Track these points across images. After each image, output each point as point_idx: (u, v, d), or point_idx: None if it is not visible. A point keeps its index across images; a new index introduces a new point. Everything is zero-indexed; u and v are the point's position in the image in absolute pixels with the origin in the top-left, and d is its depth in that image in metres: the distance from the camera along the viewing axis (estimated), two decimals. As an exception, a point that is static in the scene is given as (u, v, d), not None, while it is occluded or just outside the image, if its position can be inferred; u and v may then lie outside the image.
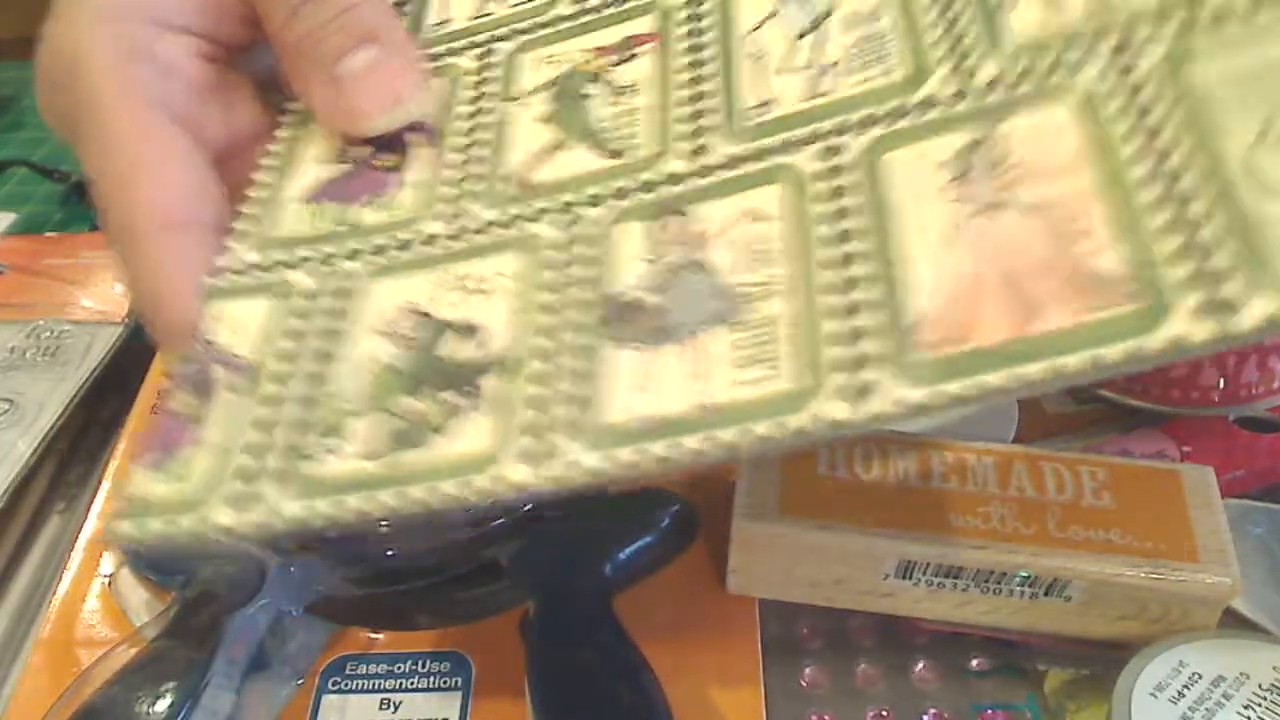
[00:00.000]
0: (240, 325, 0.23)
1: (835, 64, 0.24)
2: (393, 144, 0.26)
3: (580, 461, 0.19)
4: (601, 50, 0.27)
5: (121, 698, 0.23)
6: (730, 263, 0.21)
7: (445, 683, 0.26)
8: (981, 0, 0.24)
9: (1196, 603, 0.25)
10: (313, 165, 0.26)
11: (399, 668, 0.26)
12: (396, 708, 0.26)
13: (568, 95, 0.26)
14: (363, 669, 0.26)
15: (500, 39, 0.28)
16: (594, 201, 0.24)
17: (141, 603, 0.27)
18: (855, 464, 0.27)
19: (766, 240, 0.22)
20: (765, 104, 0.24)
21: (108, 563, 0.29)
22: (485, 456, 0.20)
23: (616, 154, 0.25)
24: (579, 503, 0.28)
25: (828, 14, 0.25)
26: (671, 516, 0.28)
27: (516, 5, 0.29)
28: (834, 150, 0.23)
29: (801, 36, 0.25)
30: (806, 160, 0.23)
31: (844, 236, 0.21)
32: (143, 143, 0.24)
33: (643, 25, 0.27)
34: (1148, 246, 0.18)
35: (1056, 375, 0.17)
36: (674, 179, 0.23)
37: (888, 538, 0.26)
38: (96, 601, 0.28)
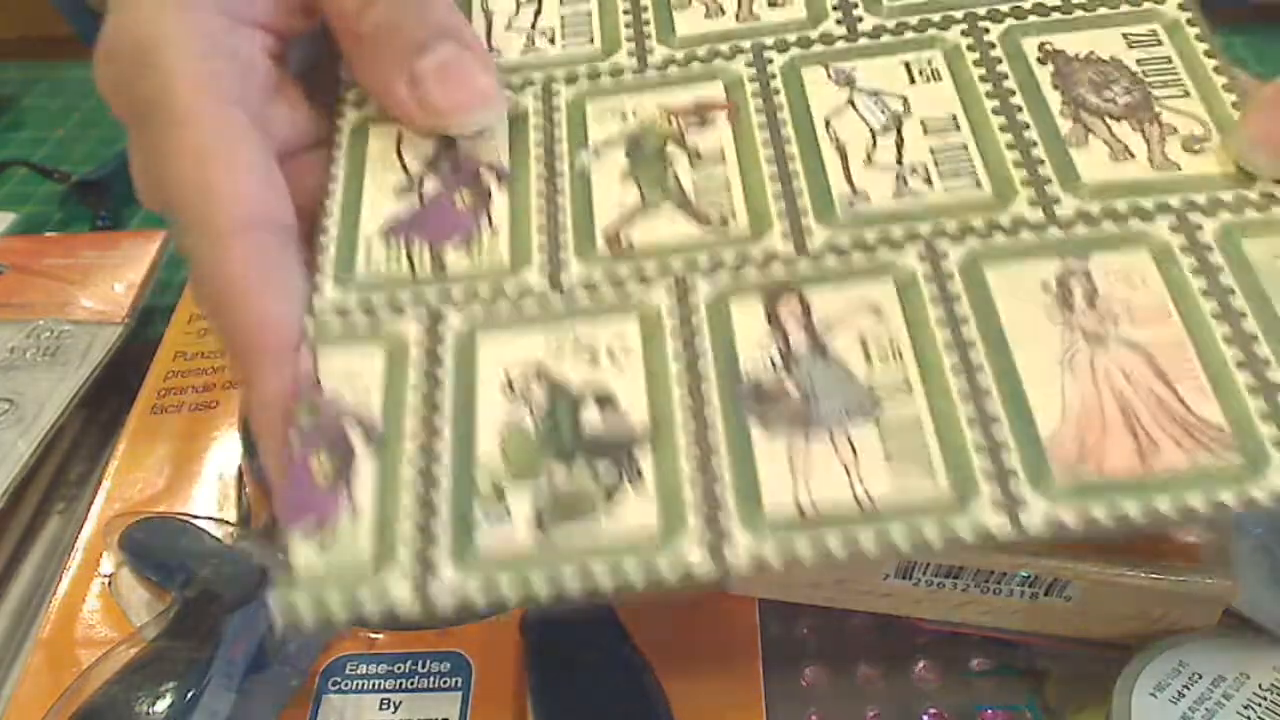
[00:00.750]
0: (358, 378, 0.23)
1: (921, 166, 0.25)
2: (468, 179, 0.26)
3: (754, 550, 0.20)
4: (672, 111, 0.27)
5: (121, 697, 0.23)
6: (859, 356, 0.22)
7: (445, 683, 0.26)
8: (1053, 131, 0.25)
9: (1196, 603, 0.25)
10: (385, 196, 0.26)
11: (399, 668, 0.26)
12: (396, 708, 0.26)
13: (647, 154, 0.26)
14: (363, 669, 0.26)
15: (558, 80, 0.28)
16: (703, 272, 0.24)
17: (141, 603, 0.27)
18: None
19: (891, 337, 0.22)
20: (859, 194, 0.25)
21: (108, 563, 0.29)
22: (660, 536, 0.20)
23: (715, 223, 0.25)
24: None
25: (904, 114, 0.26)
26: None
27: (568, 47, 0.29)
28: (938, 254, 0.24)
29: (881, 133, 0.26)
30: (913, 260, 0.24)
31: (965, 344, 0.22)
32: (223, 140, 0.23)
33: (712, 91, 0.28)
34: (1242, 402, 0.21)
35: (1184, 512, 0.19)
36: (782, 259, 0.24)
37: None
38: (96, 601, 0.28)
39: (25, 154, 0.51)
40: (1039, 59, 0.27)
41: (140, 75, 0.24)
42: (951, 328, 0.22)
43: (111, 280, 0.39)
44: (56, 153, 0.52)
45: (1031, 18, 0.28)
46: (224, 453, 0.31)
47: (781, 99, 0.27)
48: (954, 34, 0.28)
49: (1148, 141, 0.25)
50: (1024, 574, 0.26)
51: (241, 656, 0.25)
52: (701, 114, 0.27)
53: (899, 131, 0.26)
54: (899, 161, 0.26)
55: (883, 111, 0.27)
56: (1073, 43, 0.27)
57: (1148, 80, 0.26)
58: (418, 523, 0.21)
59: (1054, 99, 0.26)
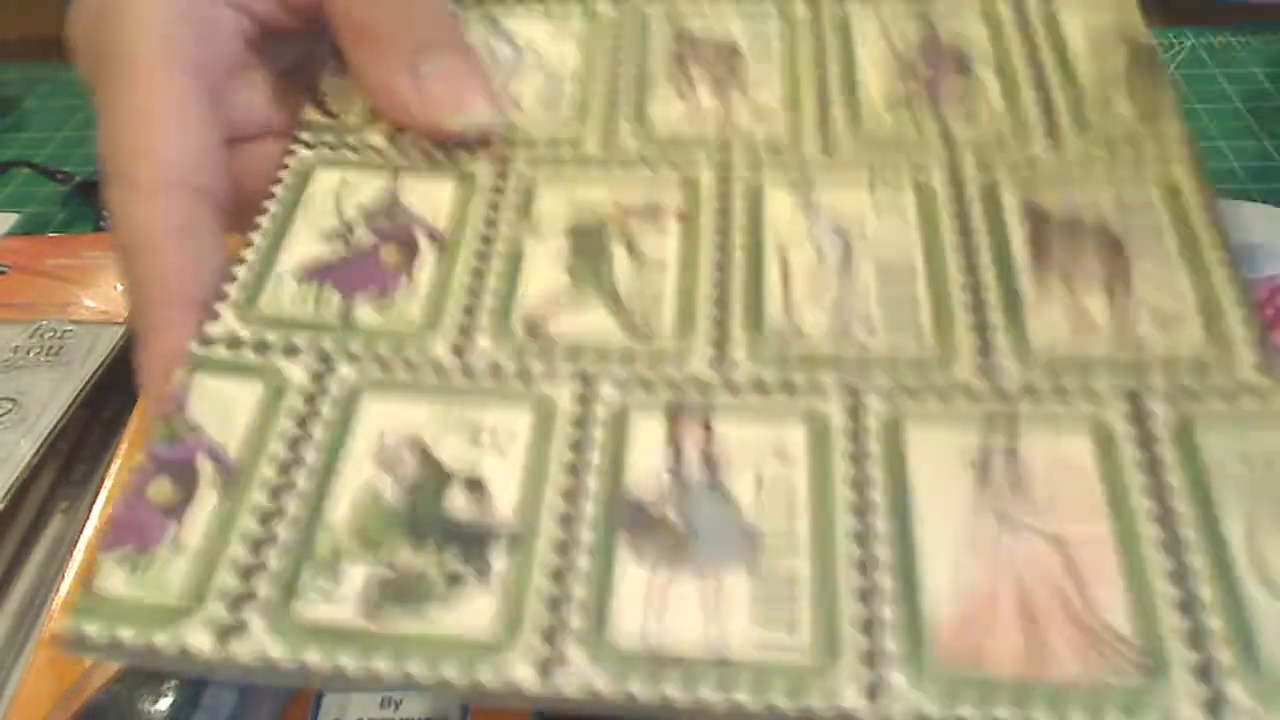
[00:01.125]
0: (228, 411, 0.22)
1: (867, 315, 0.24)
2: (401, 234, 0.25)
3: (589, 682, 0.19)
4: (627, 210, 0.26)
5: (123, 697, 0.23)
6: (754, 500, 0.21)
7: (444, 682, 0.26)
8: (1014, 294, 0.24)
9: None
10: (313, 236, 0.25)
11: (399, 667, 0.27)
12: (397, 706, 0.26)
13: (590, 248, 0.25)
14: (363, 668, 0.27)
15: (518, 151, 0.27)
16: (614, 379, 0.23)
17: (143, 602, 0.27)
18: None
19: (791, 487, 0.21)
20: (796, 330, 0.24)
21: (110, 562, 0.29)
22: (491, 644, 0.19)
23: (641, 335, 0.24)
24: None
25: (863, 253, 0.25)
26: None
27: (534, 118, 0.28)
28: (861, 406, 0.22)
29: (834, 269, 0.25)
30: (834, 409, 0.22)
31: (868, 508, 0.21)
32: (169, 103, 0.23)
33: (672, 196, 0.26)
34: (1158, 616, 0.19)
35: None
36: (699, 385, 0.23)
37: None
38: (98, 601, 0.28)
39: (28, 155, 0.51)
40: (1015, 213, 0.26)
41: (103, 32, 0.24)
42: (857, 488, 0.21)
43: (114, 280, 0.39)
44: (59, 153, 0.52)
45: (1020, 171, 0.26)
46: (225, 453, 0.31)
47: (741, 216, 0.26)
48: (933, 175, 0.27)
49: (1115, 314, 0.23)
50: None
51: (242, 656, 0.25)
52: (654, 215, 0.26)
53: (851, 271, 0.25)
54: (843, 304, 0.24)
55: (840, 246, 0.25)
56: (1055, 201, 0.26)
57: (1129, 244, 0.25)
58: (240, 575, 0.19)
59: (1023, 257, 0.25)
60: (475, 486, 0.21)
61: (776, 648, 0.19)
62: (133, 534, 0.20)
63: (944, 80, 0.29)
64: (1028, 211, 0.25)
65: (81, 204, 0.48)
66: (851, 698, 0.18)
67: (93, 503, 0.31)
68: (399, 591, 0.19)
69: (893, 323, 0.24)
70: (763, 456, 0.22)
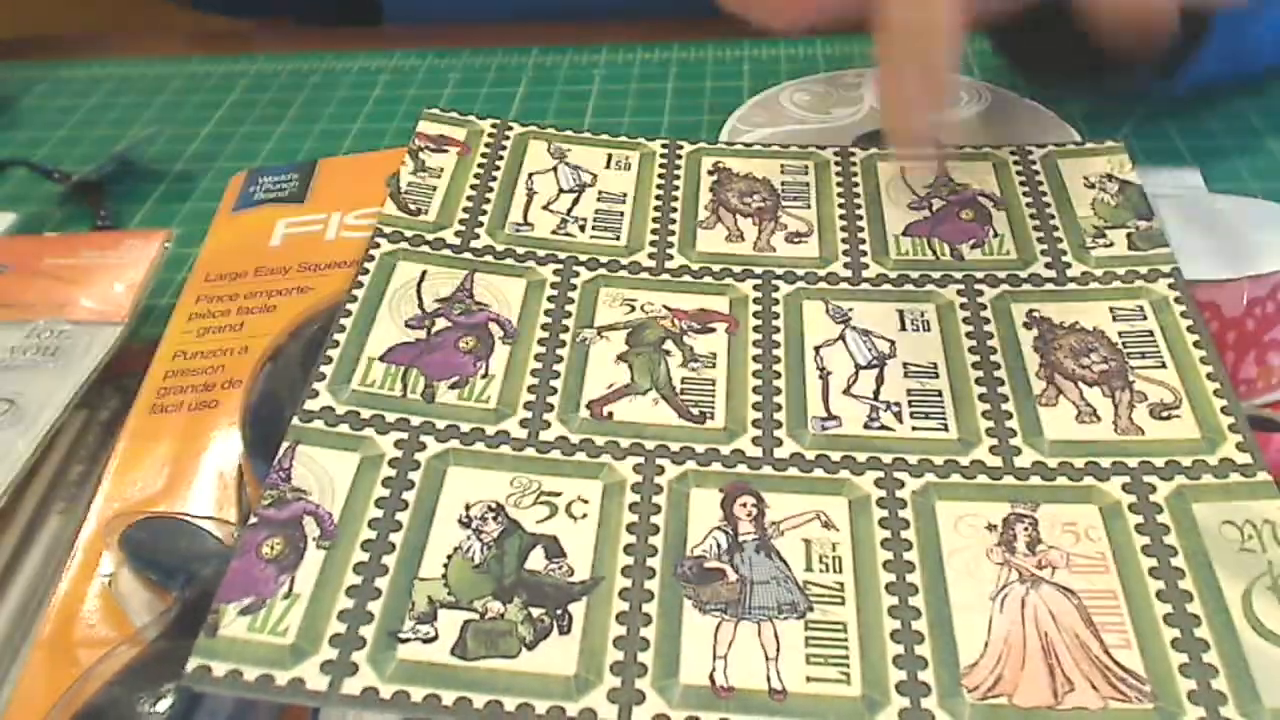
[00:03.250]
0: (328, 479, 0.24)
1: (895, 404, 0.27)
2: (476, 327, 0.28)
3: (665, 715, 0.21)
4: (677, 313, 0.30)
5: (122, 698, 0.23)
6: (801, 557, 0.24)
7: (446, 683, 0.26)
8: (1026, 389, 0.27)
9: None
10: (397, 324, 0.28)
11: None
12: (397, 708, 0.26)
13: (645, 344, 0.29)
14: (363, 669, 0.26)
15: (580, 263, 0.31)
16: (672, 455, 0.26)
17: (141, 603, 0.27)
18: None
19: (835, 548, 0.24)
20: (833, 418, 0.27)
21: (108, 563, 0.29)
22: (575, 684, 0.21)
23: (695, 418, 0.27)
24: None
25: (887, 355, 0.29)
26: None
27: (595, 238, 0.32)
28: (895, 481, 0.25)
29: (864, 368, 0.28)
30: (869, 484, 0.25)
31: (907, 564, 0.24)
32: None
33: (718, 303, 0.30)
34: (1165, 655, 0.22)
35: None
36: (748, 460, 0.26)
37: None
38: (96, 601, 0.28)
39: (25, 154, 0.51)
40: (1025, 323, 0.29)
41: None
42: (894, 550, 0.24)
43: (111, 280, 0.39)
44: (56, 152, 0.52)
45: (1026, 286, 0.31)
46: (224, 453, 0.31)
47: (780, 323, 0.29)
48: (950, 291, 0.31)
49: (1116, 406, 0.27)
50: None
51: (242, 656, 0.25)
52: (703, 321, 0.30)
53: (881, 370, 0.28)
54: (876, 396, 0.28)
55: (870, 349, 0.29)
56: (1060, 312, 0.30)
57: (1126, 351, 0.28)
58: (349, 623, 0.22)
59: (1032, 360, 0.28)
60: (553, 549, 0.24)
61: (829, 682, 0.21)
62: (249, 586, 0.22)
63: (955, 213, 0.33)
64: (1033, 320, 0.29)
65: (79, 203, 0.48)
66: None
67: (90, 503, 0.31)
68: (489, 637, 0.22)
69: (919, 413, 0.27)
70: (808, 523, 0.24)
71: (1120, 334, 0.29)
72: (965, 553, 0.24)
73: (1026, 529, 0.24)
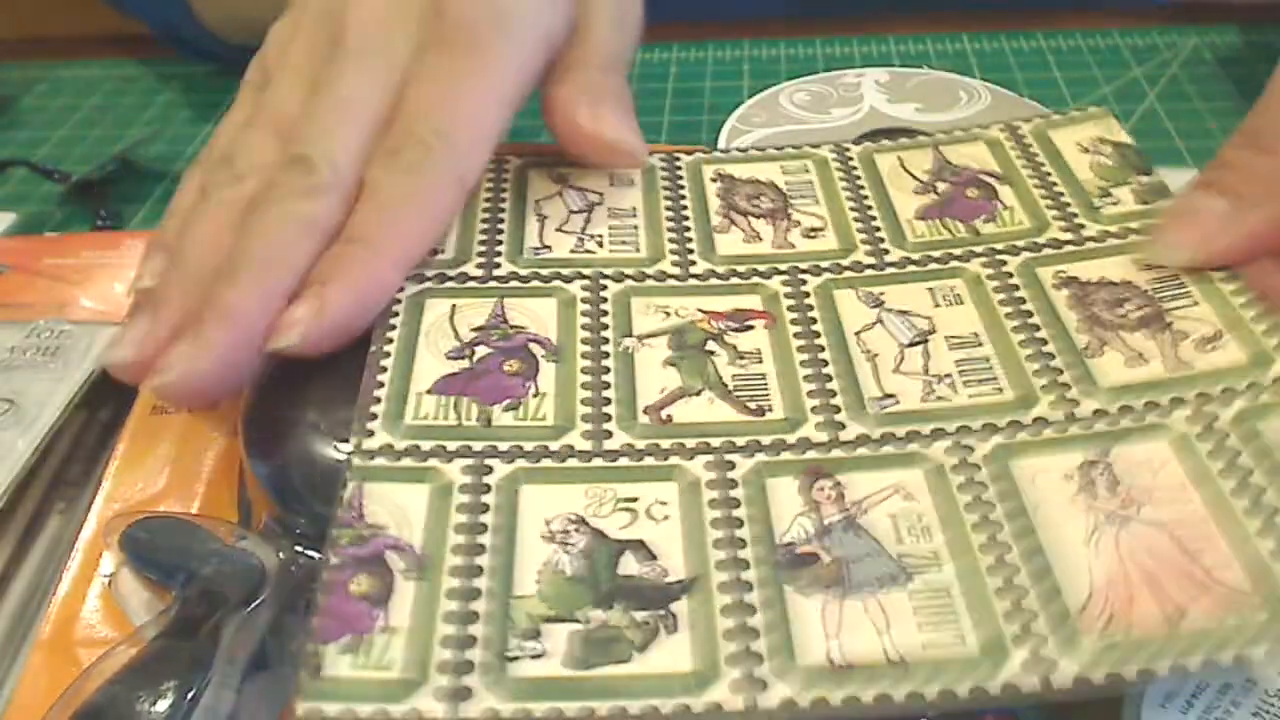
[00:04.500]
0: (401, 512, 0.24)
1: (947, 376, 0.27)
2: (517, 350, 0.28)
3: (793, 699, 0.20)
4: (713, 314, 0.29)
5: (122, 697, 0.23)
6: (890, 531, 0.24)
7: (446, 683, 0.26)
8: (1070, 345, 0.27)
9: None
10: (439, 358, 0.28)
11: (399, 668, 0.26)
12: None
13: (690, 347, 0.28)
14: (363, 669, 0.26)
15: (607, 277, 0.31)
16: (741, 450, 0.25)
17: (141, 603, 0.27)
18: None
19: (921, 518, 0.24)
20: (889, 396, 0.27)
21: (108, 563, 0.29)
22: (694, 680, 0.21)
23: (753, 412, 0.27)
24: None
25: (929, 332, 0.29)
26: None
27: (615, 252, 0.32)
28: (965, 448, 0.25)
29: (908, 347, 0.28)
30: (940, 453, 0.25)
31: (994, 524, 0.23)
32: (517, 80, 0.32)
33: (751, 301, 0.30)
34: (1265, 566, 0.22)
35: (1212, 667, 0.20)
36: (816, 446, 0.26)
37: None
38: (96, 601, 0.28)
39: (25, 154, 0.51)
40: (1054, 285, 0.29)
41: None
42: (980, 512, 0.24)
43: (112, 280, 0.39)
44: (56, 153, 0.52)
45: (1046, 251, 0.31)
46: (224, 453, 0.31)
47: (815, 314, 0.29)
48: (974, 265, 0.31)
49: (1161, 347, 0.27)
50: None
51: (241, 656, 0.25)
52: (741, 319, 0.29)
53: (926, 346, 0.28)
54: (926, 371, 0.28)
55: (910, 328, 0.29)
56: (1085, 270, 0.30)
57: (1158, 296, 0.28)
58: (454, 650, 0.21)
59: (1070, 317, 0.28)
60: (643, 551, 0.23)
61: (945, 646, 0.21)
62: (346, 625, 0.22)
63: (962, 193, 0.33)
64: (1062, 281, 0.30)
65: (79, 203, 0.48)
66: (1026, 680, 0.20)
67: (90, 503, 0.31)
68: (599, 645, 0.21)
69: (972, 380, 0.27)
70: (890, 497, 0.24)
71: (1148, 282, 0.29)
72: (1049, 504, 0.24)
73: (1102, 473, 0.24)
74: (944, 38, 0.54)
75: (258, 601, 0.26)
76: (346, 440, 0.29)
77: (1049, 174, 0.33)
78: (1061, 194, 0.33)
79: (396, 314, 0.29)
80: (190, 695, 0.23)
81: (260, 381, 0.30)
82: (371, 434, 0.26)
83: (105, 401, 0.36)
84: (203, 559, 0.27)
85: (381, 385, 0.27)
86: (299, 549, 0.27)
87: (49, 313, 0.37)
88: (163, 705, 0.23)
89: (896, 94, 0.46)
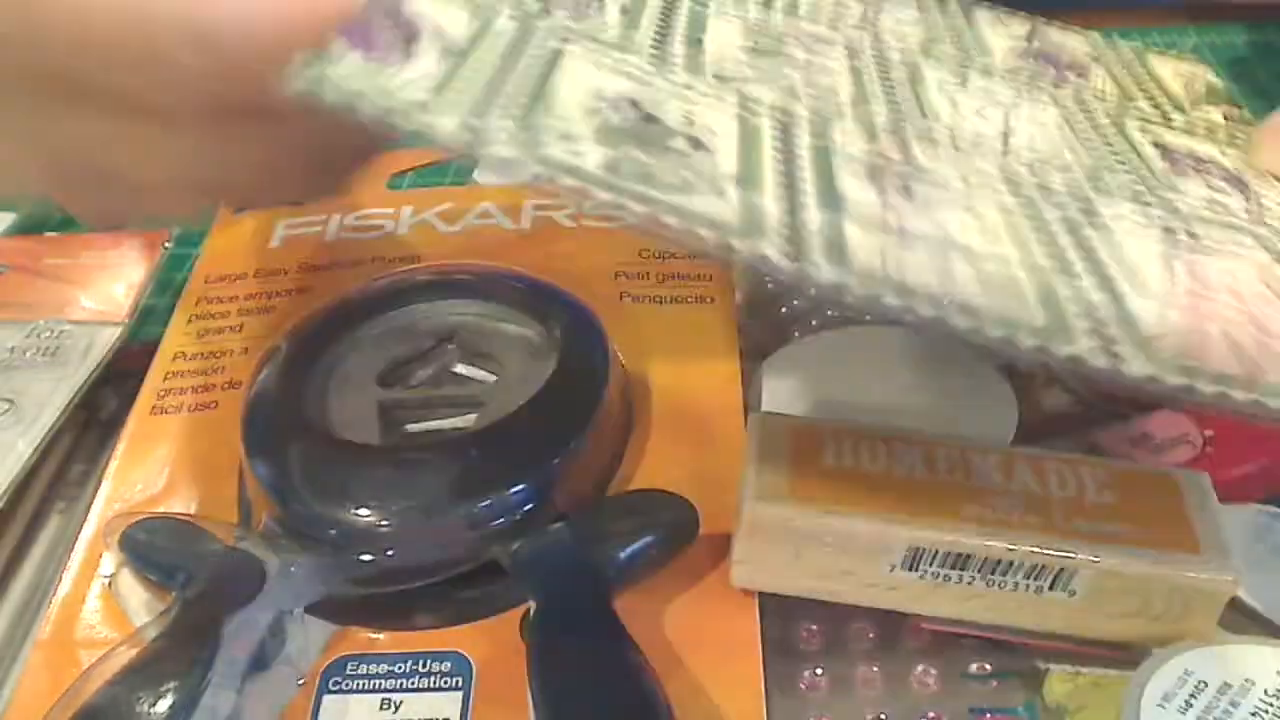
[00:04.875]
0: (442, 20, 0.22)
1: (1030, 149, 0.27)
2: None
3: (837, 281, 0.19)
4: (797, 36, 0.29)
5: (122, 698, 0.23)
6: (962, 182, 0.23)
7: (445, 683, 0.26)
8: (1151, 171, 0.27)
9: (1199, 596, 0.25)
10: None
11: (399, 668, 0.26)
12: (397, 708, 0.26)
13: (766, 49, 0.27)
14: (363, 669, 0.26)
15: None
16: (804, 103, 0.25)
17: (141, 603, 0.27)
18: (862, 456, 0.27)
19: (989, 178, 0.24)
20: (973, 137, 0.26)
21: (108, 563, 0.29)
22: (738, 228, 0.19)
23: (822, 100, 0.26)
24: (579, 504, 0.28)
25: (1007, 116, 0.28)
26: (672, 516, 0.28)
27: None
28: (1045, 189, 0.25)
29: (981, 112, 0.28)
30: (1011, 199, 0.24)
31: (1073, 223, 0.23)
32: None
33: (832, 37, 0.30)
34: None
35: None
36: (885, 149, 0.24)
37: (897, 523, 0.26)
38: (96, 601, 0.28)
39: (25, 154, 0.51)
40: (1138, 137, 0.29)
41: None
42: (1048, 228, 0.23)
43: (111, 280, 0.39)
44: (56, 153, 0.52)
45: (1133, 115, 0.30)
46: (224, 453, 0.31)
47: (897, 69, 0.29)
48: (1065, 95, 0.31)
49: (1246, 199, 0.27)
50: (1029, 562, 0.26)
51: (241, 656, 0.25)
52: (822, 44, 0.29)
53: (1003, 122, 0.28)
54: (1002, 135, 0.27)
55: (988, 100, 0.29)
56: (1172, 140, 0.29)
57: (1241, 177, 0.28)
58: (480, 117, 0.19)
59: (1153, 154, 0.28)
60: (696, 141, 0.21)
61: (1014, 313, 0.19)
62: (370, 41, 0.19)
63: (1052, 63, 0.33)
64: (1150, 139, 0.29)
65: (79, 204, 0.48)
66: (1089, 354, 0.19)
67: (90, 503, 0.31)
68: (639, 171, 0.19)
69: (1054, 166, 0.26)
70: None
71: (1232, 163, 0.29)
72: (1135, 241, 0.23)
73: (1181, 239, 0.24)
74: (944, 38, 0.54)
75: (257, 601, 0.26)
76: (347, 442, 0.29)
77: (1142, 75, 0.33)
78: (1153, 94, 0.32)
79: None
80: (190, 695, 0.23)
81: (260, 381, 0.30)
82: None
83: (105, 401, 0.36)
84: (203, 559, 0.27)
85: None
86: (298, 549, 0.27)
87: (49, 313, 0.37)
88: (163, 705, 0.23)
89: (897, 93, 0.46)
